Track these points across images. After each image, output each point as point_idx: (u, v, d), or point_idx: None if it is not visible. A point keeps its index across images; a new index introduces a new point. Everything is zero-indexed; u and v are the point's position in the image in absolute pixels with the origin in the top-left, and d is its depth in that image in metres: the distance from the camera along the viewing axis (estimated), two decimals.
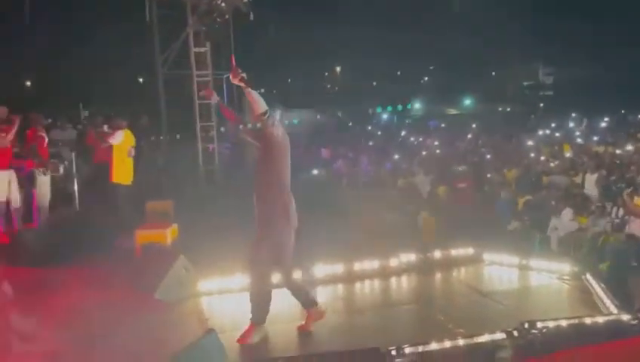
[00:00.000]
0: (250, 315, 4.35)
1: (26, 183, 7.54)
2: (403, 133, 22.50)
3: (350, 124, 25.65)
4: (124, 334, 3.91)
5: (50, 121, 8.26)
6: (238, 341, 4.21)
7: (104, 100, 14.95)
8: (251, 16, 8.39)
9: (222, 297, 5.20)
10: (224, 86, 12.31)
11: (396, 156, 14.51)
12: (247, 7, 8.33)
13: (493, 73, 43.08)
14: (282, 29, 25.85)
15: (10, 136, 7.05)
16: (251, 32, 15.10)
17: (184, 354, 3.37)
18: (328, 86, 43.93)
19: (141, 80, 22.30)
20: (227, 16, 8.97)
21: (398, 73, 42.24)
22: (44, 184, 7.63)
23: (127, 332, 4.00)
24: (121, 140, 7.26)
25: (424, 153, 14.96)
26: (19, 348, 4.16)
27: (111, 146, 7.27)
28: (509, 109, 30.60)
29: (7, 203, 7.09)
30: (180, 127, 11.20)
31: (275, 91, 28.67)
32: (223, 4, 8.63)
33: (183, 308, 4.90)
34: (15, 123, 7.06)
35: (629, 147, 12.95)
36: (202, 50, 9.74)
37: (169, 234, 6.15)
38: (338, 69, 42.67)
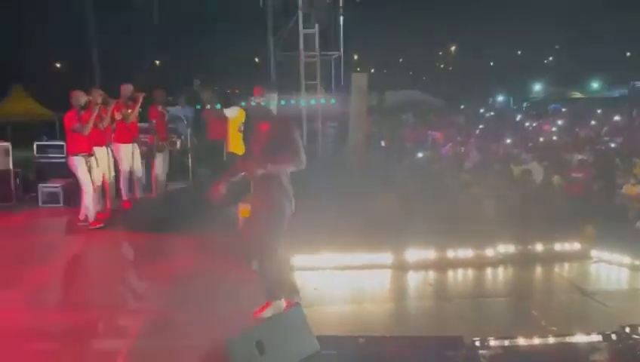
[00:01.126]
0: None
1: (147, 156, 8.31)
2: (519, 117, 21.28)
3: (462, 106, 24.75)
4: (220, 299, 4.22)
5: (170, 98, 8.95)
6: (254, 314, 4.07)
7: (221, 79, 15.81)
8: None
9: (313, 273, 5.38)
10: (332, 66, 12.48)
11: (508, 141, 13.81)
12: None
13: (628, 54, 39.07)
14: (393, 6, 25.37)
15: (135, 112, 7.79)
16: (361, 11, 15.09)
17: (269, 323, 3.60)
18: (441, 66, 42.60)
19: (257, 60, 23.17)
20: None
21: (519, 52, 39.78)
22: (162, 157, 8.35)
23: (223, 298, 4.32)
24: (236, 115, 7.88)
25: (541, 140, 14.08)
26: (129, 305, 4.65)
27: (226, 121, 7.91)
28: None
29: (131, 173, 7.89)
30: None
31: (385, 71, 28.41)
32: None
33: None
34: (139, 100, 7.77)
35: None
36: (311, 31, 9.94)
37: None
38: (453, 47, 41.15)
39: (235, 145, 7.95)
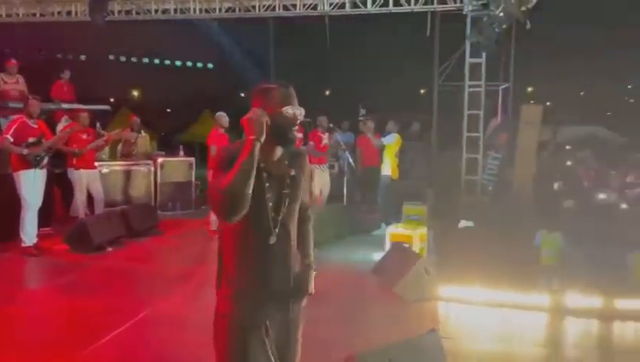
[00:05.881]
0: None
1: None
2: None
3: None
4: (357, 317, 4.27)
5: (331, 125, 9.36)
6: None
7: (385, 107, 16.15)
8: (528, 25, 7.99)
9: (460, 306, 5.17)
10: (499, 97, 12.00)
11: None
12: (525, 16, 7.97)
13: None
14: (576, 35, 23.56)
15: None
16: (538, 41, 14.31)
17: (404, 345, 3.52)
18: (631, 101, 38.24)
19: (422, 91, 23.24)
20: (505, 26, 8.74)
21: None
22: (320, 178, 8.76)
23: (360, 316, 4.37)
24: (393, 141, 8.25)
25: None
26: None
27: (382, 149, 8.16)
28: None
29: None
30: (449, 136, 11.39)
31: (563, 104, 26.36)
32: (502, 15, 8.45)
33: (418, 307, 5.05)
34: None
35: None
36: (478, 61, 9.70)
37: (418, 237, 6.40)
38: None
39: (390, 168, 8.14)
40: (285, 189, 2.19)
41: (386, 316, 4.82)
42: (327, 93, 28.15)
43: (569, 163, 16.10)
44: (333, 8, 9.98)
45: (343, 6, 9.96)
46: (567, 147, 18.52)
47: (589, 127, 21.36)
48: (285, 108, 2.13)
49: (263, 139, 2.03)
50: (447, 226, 7.39)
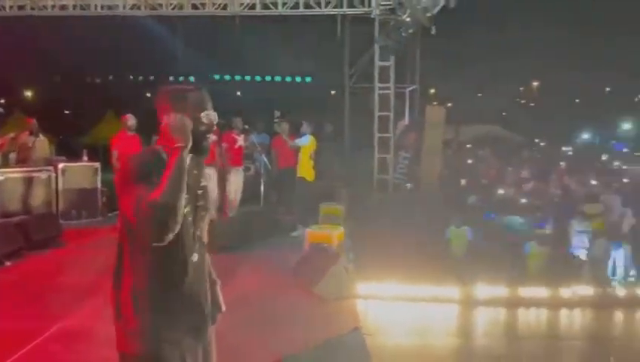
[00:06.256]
0: None
1: (220, 180, 8.63)
2: (604, 156, 20.11)
3: (539, 141, 23.84)
4: (278, 320, 4.26)
5: (246, 127, 9.27)
6: None
7: (298, 109, 16.23)
8: (433, 30, 8.40)
9: (378, 302, 5.32)
10: (406, 98, 12.48)
11: (593, 182, 13.06)
12: (430, 21, 8.36)
13: None
14: (473, 41, 25.14)
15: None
16: (440, 45, 15.01)
17: (329, 346, 3.57)
18: (522, 102, 41.40)
19: (333, 92, 23.61)
20: (411, 31, 9.10)
21: (607, 90, 37.96)
22: (234, 181, 8.64)
23: (281, 318, 4.37)
24: (308, 143, 8.25)
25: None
26: None
27: (297, 150, 8.22)
28: None
29: None
30: (361, 136, 11.67)
31: (462, 105, 27.99)
32: (408, 19, 8.79)
33: (338, 306, 5.12)
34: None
35: None
36: (386, 63, 10.02)
37: (336, 237, 6.49)
38: (535, 83, 39.97)
39: (305, 170, 8.20)
40: (199, 201, 2.03)
41: (308, 316, 4.84)
42: (239, 93, 27.83)
43: (470, 161, 17.12)
44: (243, 9, 9.88)
45: (253, 7, 9.89)
46: (468, 145, 19.73)
47: (487, 127, 22.86)
48: (202, 114, 1.96)
49: (190, 145, 1.88)
50: (363, 225, 7.56)
